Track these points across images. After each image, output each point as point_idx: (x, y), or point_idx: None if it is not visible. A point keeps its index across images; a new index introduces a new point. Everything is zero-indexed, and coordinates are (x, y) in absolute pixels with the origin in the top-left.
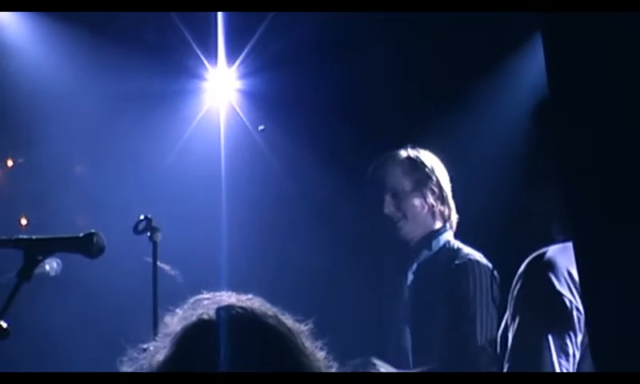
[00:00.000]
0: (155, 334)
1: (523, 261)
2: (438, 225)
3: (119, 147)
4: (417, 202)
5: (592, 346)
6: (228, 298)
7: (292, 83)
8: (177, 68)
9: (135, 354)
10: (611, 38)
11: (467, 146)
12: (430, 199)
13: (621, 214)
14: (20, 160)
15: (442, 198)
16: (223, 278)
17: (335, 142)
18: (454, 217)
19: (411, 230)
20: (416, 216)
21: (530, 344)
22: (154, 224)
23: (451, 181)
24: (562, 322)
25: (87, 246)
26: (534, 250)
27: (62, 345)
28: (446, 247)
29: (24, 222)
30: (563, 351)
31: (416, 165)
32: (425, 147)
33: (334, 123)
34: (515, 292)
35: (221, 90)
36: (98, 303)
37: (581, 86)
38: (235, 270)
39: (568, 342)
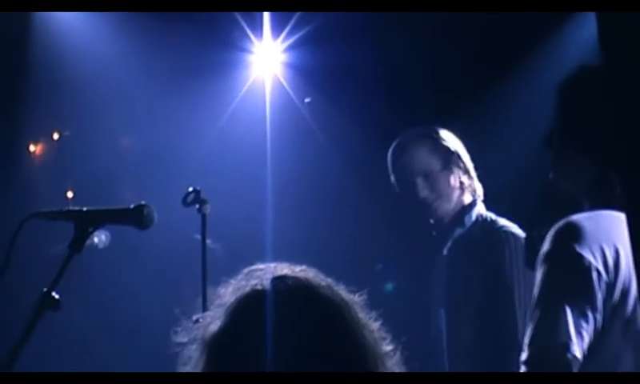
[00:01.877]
0: (204, 306)
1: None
2: (468, 199)
3: (165, 120)
4: (448, 180)
5: None
6: (282, 268)
7: (337, 56)
8: (223, 41)
9: (189, 325)
10: None
11: (500, 123)
12: (459, 175)
13: None
14: (66, 133)
15: (468, 172)
16: (268, 249)
17: (380, 115)
18: (479, 188)
19: (446, 209)
20: (449, 194)
21: (547, 304)
22: (202, 196)
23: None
24: (581, 284)
25: (138, 217)
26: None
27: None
28: (479, 221)
29: (70, 194)
30: (582, 314)
31: (438, 143)
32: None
33: (378, 96)
34: (539, 257)
35: (266, 62)
36: (145, 275)
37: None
38: (280, 243)
39: (587, 305)
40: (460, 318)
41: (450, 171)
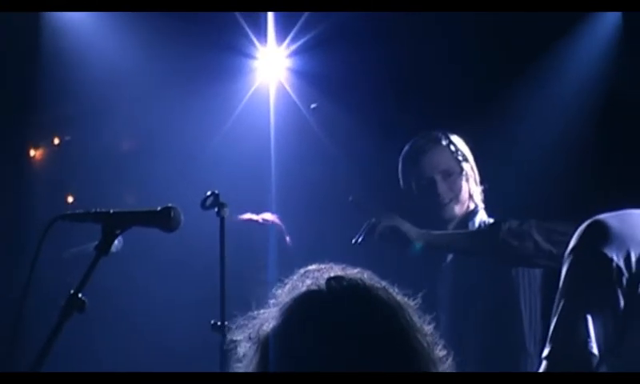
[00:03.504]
0: (223, 308)
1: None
2: (472, 206)
3: (167, 125)
4: (464, 184)
5: None
6: (336, 270)
7: (342, 61)
8: (226, 47)
9: (243, 322)
10: None
11: (517, 122)
12: (470, 181)
13: None
14: (67, 137)
15: (476, 180)
16: (272, 255)
17: (387, 120)
18: (482, 196)
19: (457, 212)
20: (463, 198)
21: (569, 300)
22: (221, 200)
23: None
24: (603, 282)
25: (165, 219)
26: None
27: (122, 318)
28: (482, 227)
29: (70, 199)
30: (603, 312)
31: (457, 148)
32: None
33: (385, 101)
34: (565, 254)
35: (271, 68)
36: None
37: None
38: (285, 249)
39: (608, 303)
40: (466, 325)
41: (467, 177)
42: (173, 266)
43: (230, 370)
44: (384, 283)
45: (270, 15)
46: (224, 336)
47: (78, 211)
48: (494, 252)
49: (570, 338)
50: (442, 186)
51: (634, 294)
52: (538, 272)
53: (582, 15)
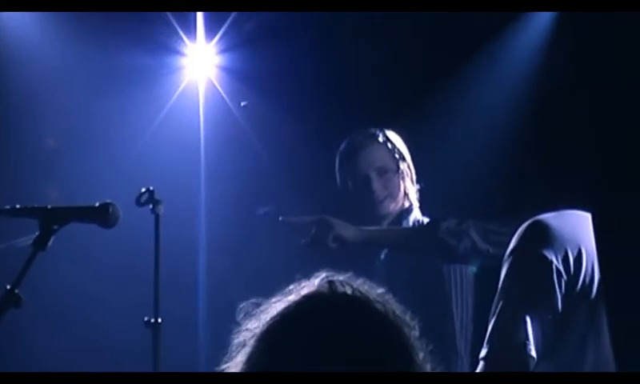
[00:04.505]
0: (156, 307)
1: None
2: (408, 202)
3: (95, 123)
4: (399, 182)
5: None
6: (341, 278)
7: (272, 58)
8: (154, 43)
9: (249, 309)
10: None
11: (452, 120)
12: (406, 180)
13: None
14: None
15: (412, 179)
16: (202, 256)
17: (315, 117)
18: (417, 194)
19: (391, 210)
20: (397, 196)
21: (507, 302)
22: (156, 196)
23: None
24: (541, 283)
25: (103, 215)
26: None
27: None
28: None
29: None
30: (541, 314)
31: (393, 145)
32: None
33: (314, 98)
34: (505, 254)
35: (200, 65)
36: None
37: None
38: (214, 249)
39: (546, 304)
40: None
41: (402, 175)
42: (106, 264)
43: (220, 362)
44: (386, 297)
45: (199, 12)
46: (157, 333)
47: (14, 207)
48: (431, 250)
49: (508, 339)
50: (376, 184)
51: (572, 296)
52: (470, 272)
53: (516, 14)
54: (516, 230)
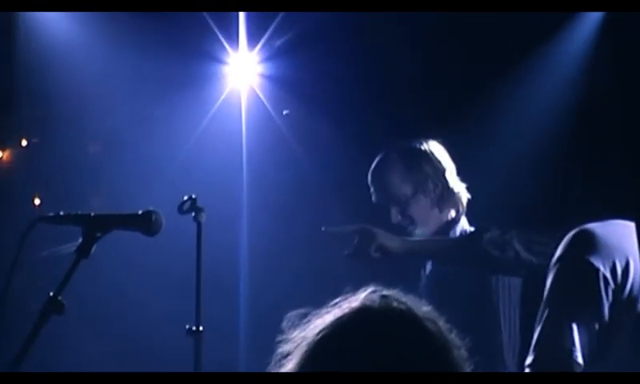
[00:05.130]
0: (198, 316)
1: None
2: (450, 215)
3: (139, 129)
4: (421, 203)
5: None
6: (391, 293)
7: (314, 66)
8: (198, 52)
9: (297, 320)
10: None
11: (494, 131)
12: (434, 194)
13: None
14: (34, 140)
15: (446, 187)
16: (243, 264)
17: (357, 125)
18: (465, 199)
19: (422, 232)
20: (424, 217)
21: (554, 309)
22: (198, 204)
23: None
24: (588, 291)
25: (146, 223)
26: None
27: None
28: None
29: (37, 201)
30: (587, 321)
31: (411, 165)
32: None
33: (357, 106)
34: (551, 262)
35: (242, 73)
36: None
37: None
38: (256, 256)
39: (593, 312)
40: None
41: (423, 193)
42: (148, 272)
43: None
44: (434, 314)
45: (242, 20)
46: (199, 341)
47: (58, 213)
48: (474, 261)
49: (555, 346)
50: (395, 216)
51: (619, 305)
52: (517, 283)
53: (561, 19)
54: (560, 240)
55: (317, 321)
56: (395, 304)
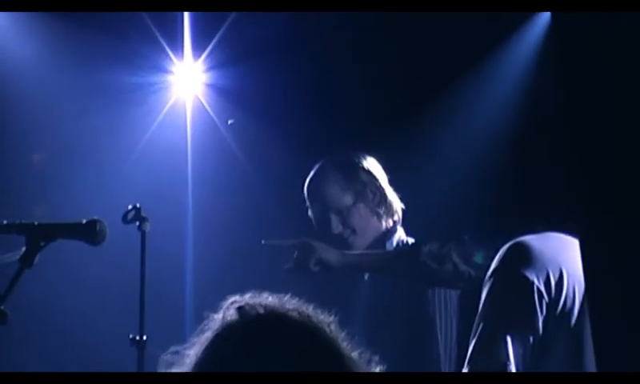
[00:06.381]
0: (142, 326)
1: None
2: (388, 224)
3: (82, 140)
4: (362, 212)
5: (595, 343)
6: (254, 299)
7: (259, 76)
8: (141, 61)
9: (168, 357)
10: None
11: (434, 143)
12: (373, 204)
13: (633, 213)
14: None
15: (383, 198)
16: (188, 274)
17: (302, 135)
18: (399, 208)
19: (362, 242)
20: (364, 227)
21: (489, 322)
22: (142, 213)
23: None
24: (522, 304)
25: (91, 232)
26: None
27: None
28: (399, 246)
29: None
30: (521, 334)
31: (350, 174)
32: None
33: (300, 116)
34: (486, 275)
35: (187, 83)
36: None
37: (593, 86)
38: (201, 267)
39: (527, 325)
40: (381, 346)
41: (363, 203)
42: (92, 281)
43: None
44: (297, 305)
45: (187, 28)
46: (142, 350)
47: (2, 222)
48: (413, 273)
49: (489, 359)
50: (337, 227)
51: (553, 318)
52: (454, 294)
53: (506, 25)
54: (496, 251)
55: (189, 354)
56: (255, 310)
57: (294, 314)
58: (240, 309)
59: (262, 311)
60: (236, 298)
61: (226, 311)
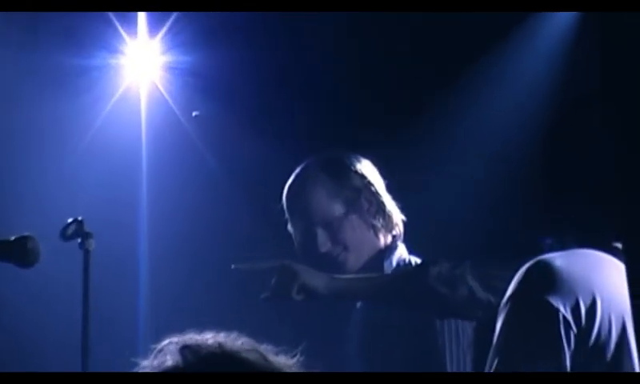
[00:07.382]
0: (85, 349)
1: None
2: (387, 240)
3: (12, 138)
4: (355, 225)
5: None
6: (190, 339)
7: (231, 58)
8: (85, 39)
9: None
10: None
11: (442, 141)
12: (369, 215)
13: None
14: None
15: (381, 208)
16: (143, 274)
17: (276, 129)
18: (400, 220)
19: (356, 261)
20: (358, 243)
21: (505, 354)
22: (85, 228)
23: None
24: (545, 336)
25: (21, 252)
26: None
27: None
28: (401, 267)
29: None
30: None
31: (341, 179)
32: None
33: (282, 108)
34: (503, 299)
35: (142, 66)
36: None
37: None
38: (156, 262)
39: (551, 360)
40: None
41: (357, 214)
42: (30, 307)
43: None
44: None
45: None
46: None
47: None
48: (419, 301)
49: None
50: (325, 243)
51: (583, 352)
52: (468, 325)
53: (523, 18)
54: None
55: None
56: (195, 354)
57: (251, 353)
58: (183, 349)
59: (203, 354)
60: (169, 340)
61: (165, 356)
